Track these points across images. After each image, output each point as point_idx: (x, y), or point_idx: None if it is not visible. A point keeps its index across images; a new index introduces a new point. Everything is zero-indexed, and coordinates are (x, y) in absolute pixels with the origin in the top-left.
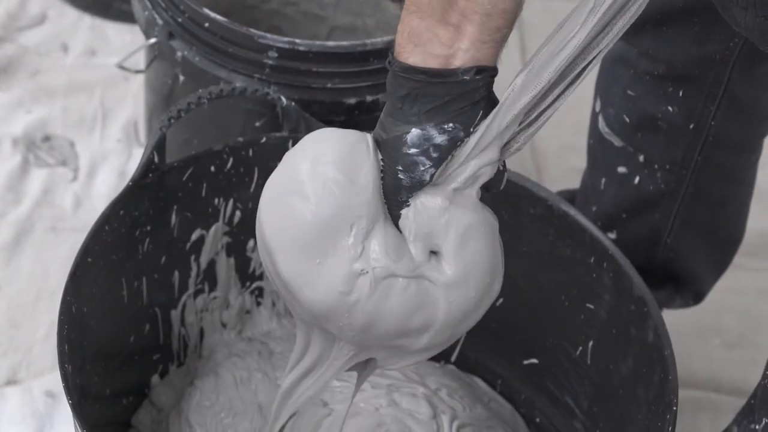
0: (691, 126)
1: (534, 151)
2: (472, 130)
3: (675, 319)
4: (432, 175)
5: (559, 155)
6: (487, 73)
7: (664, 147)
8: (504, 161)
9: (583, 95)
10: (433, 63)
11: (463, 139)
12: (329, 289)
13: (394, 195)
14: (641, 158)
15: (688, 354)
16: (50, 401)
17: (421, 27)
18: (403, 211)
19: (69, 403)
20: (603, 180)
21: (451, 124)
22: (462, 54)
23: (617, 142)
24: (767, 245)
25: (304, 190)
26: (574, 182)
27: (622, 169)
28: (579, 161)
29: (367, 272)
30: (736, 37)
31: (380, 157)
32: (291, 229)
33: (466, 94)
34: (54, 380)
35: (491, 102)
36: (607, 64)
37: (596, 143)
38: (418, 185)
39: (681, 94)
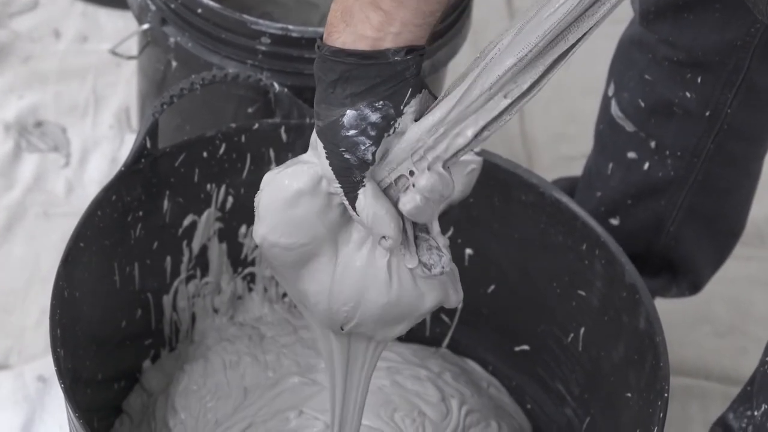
0: (707, 113)
1: (525, 139)
2: (402, 108)
3: (666, 308)
4: (373, 154)
5: (550, 144)
6: (417, 52)
7: (677, 133)
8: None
9: (576, 84)
10: (362, 44)
11: (395, 117)
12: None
13: (347, 176)
14: (652, 144)
15: (679, 342)
16: (42, 386)
17: (354, 7)
18: (360, 191)
19: (61, 386)
20: (610, 165)
21: (382, 102)
22: (393, 37)
23: (629, 127)
24: (758, 234)
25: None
26: (565, 171)
27: (631, 155)
28: (570, 150)
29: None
30: (757, 23)
31: (321, 146)
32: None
33: (397, 74)
34: (46, 365)
35: (420, 80)
36: (623, 47)
37: (606, 128)
38: (364, 164)
39: (699, 80)
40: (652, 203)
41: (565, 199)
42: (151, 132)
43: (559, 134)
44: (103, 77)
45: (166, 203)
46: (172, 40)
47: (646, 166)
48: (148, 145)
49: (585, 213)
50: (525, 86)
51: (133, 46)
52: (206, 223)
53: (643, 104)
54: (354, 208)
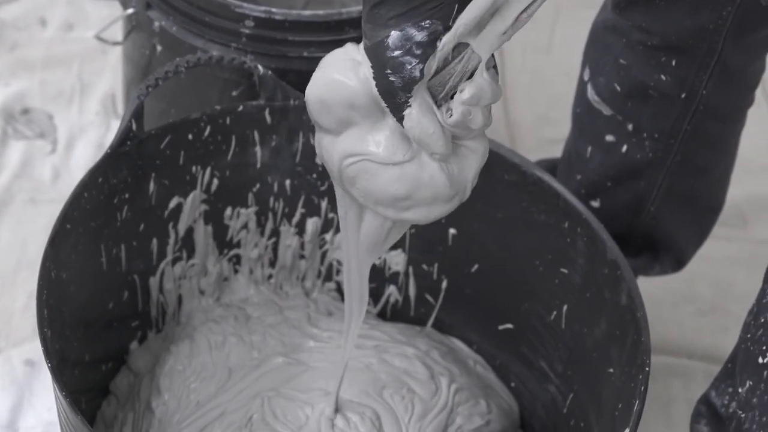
0: (683, 95)
1: (508, 122)
2: (450, 23)
3: (649, 287)
4: (421, 71)
5: (533, 126)
6: None
7: (653, 116)
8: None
9: (558, 68)
10: None
11: (444, 33)
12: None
13: (392, 98)
14: (630, 127)
15: (661, 321)
16: (30, 370)
17: None
18: (406, 112)
19: (48, 366)
20: (589, 148)
21: (428, 21)
22: None
23: (606, 110)
24: (739, 215)
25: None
26: (548, 153)
27: (609, 138)
28: (553, 133)
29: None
30: (729, 6)
31: (369, 64)
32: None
33: None
34: (34, 349)
35: None
36: (597, 32)
37: (584, 112)
38: (411, 83)
39: (674, 63)
40: (631, 185)
41: (546, 177)
42: (137, 115)
43: (542, 117)
44: (89, 64)
45: (151, 185)
46: (156, 24)
47: (624, 148)
48: (134, 127)
49: (566, 191)
50: None
51: (118, 33)
52: (192, 205)
53: (619, 88)
54: (402, 126)
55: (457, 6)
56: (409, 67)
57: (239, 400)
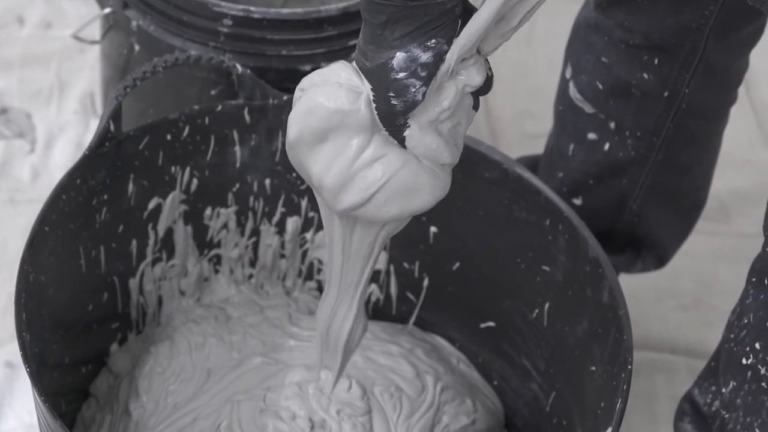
0: (666, 93)
1: (489, 116)
2: (455, 39)
3: (632, 283)
4: (424, 93)
5: (514, 121)
6: None
7: (636, 114)
8: (490, 68)
9: (540, 61)
10: None
11: (447, 51)
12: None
13: (392, 121)
14: (612, 125)
15: (644, 316)
16: (9, 371)
17: None
18: (407, 133)
19: (27, 371)
20: (571, 146)
21: (434, 41)
22: None
23: (588, 108)
24: (722, 209)
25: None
26: (529, 148)
27: (592, 136)
28: (534, 127)
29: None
30: (711, 6)
31: (369, 86)
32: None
33: (446, 12)
34: (13, 351)
35: (468, 9)
36: (579, 30)
37: (566, 109)
38: (413, 106)
39: (656, 62)
40: (614, 183)
41: (527, 175)
42: (115, 115)
43: (523, 111)
44: (67, 63)
45: (130, 186)
46: (134, 23)
47: (607, 146)
48: (112, 128)
49: (548, 189)
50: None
51: (96, 31)
52: (171, 205)
53: (601, 86)
54: (404, 147)
55: (459, 23)
56: (413, 90)
57: (213, 404)
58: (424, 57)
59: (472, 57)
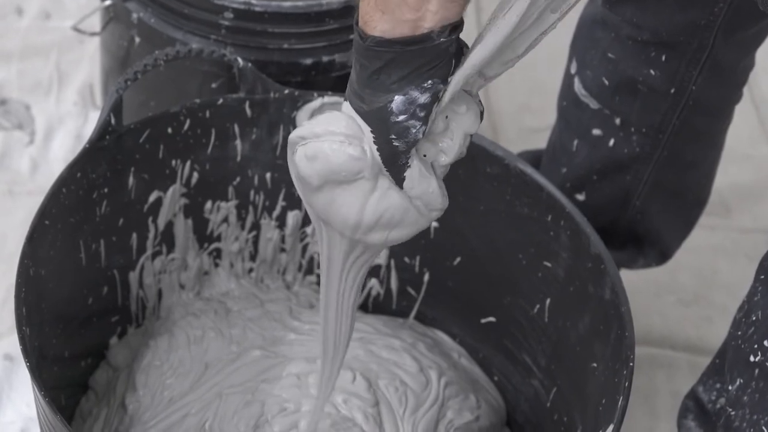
0: (672, 90)
1: (489, 111)
2: (449, 79)
3: (632, 278)
4: (423, 132)
5: (514, 116)
6: (458, 30)
7: (641, 110)
8: (480, 102)
9: (540, 56)
10: (403, 29)
11: (443, 89)
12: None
13: (395, 161)
14: (617, 121)
15: (644, 312)
16: (9, 364)
17: None
18: (407, 173)
19: (27, 365)
20: (575, 142)
21: (430, 82)
22: (431, 16)
23: (593, 104)
24: (722, 204)
25: None
26: (530, 142)
27: (596, 132)
28: (534, 122)
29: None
30: (721, 2)
31: (368, 129)
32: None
33: (441, 53)
34: (13, 343)
35: (460, 49)
36: (585, 26)
37: (570, 105)
38: (413, 145)
39: (664, 58)
40: (617, 179)
41: (529, 170)
42: (115, 108)
43: (524, 106)
44: (67, 54)
45: (131, 180)
46: (134, 15)
47: (612, 142)
48: (113, 121)
49: (550, 184)
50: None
51: (96, 23)
52: (171, 199)
53: (607, 82)
54: (402, 188)
55: (453, 62)
56: (413, 131)
57: (205, 398)
58: (422, 98)
59: (463, 104)
